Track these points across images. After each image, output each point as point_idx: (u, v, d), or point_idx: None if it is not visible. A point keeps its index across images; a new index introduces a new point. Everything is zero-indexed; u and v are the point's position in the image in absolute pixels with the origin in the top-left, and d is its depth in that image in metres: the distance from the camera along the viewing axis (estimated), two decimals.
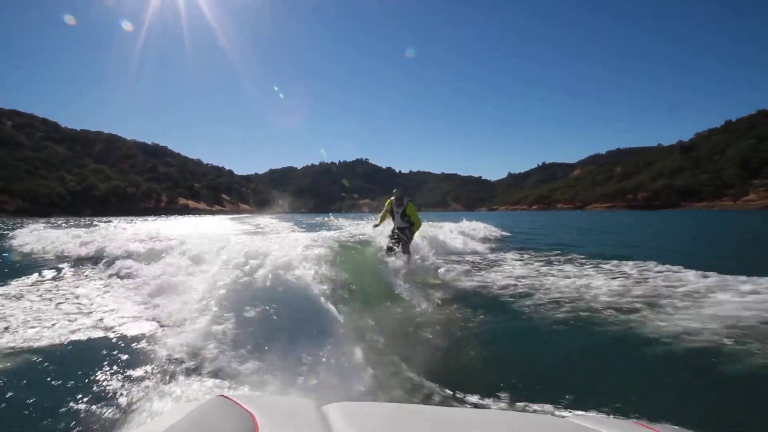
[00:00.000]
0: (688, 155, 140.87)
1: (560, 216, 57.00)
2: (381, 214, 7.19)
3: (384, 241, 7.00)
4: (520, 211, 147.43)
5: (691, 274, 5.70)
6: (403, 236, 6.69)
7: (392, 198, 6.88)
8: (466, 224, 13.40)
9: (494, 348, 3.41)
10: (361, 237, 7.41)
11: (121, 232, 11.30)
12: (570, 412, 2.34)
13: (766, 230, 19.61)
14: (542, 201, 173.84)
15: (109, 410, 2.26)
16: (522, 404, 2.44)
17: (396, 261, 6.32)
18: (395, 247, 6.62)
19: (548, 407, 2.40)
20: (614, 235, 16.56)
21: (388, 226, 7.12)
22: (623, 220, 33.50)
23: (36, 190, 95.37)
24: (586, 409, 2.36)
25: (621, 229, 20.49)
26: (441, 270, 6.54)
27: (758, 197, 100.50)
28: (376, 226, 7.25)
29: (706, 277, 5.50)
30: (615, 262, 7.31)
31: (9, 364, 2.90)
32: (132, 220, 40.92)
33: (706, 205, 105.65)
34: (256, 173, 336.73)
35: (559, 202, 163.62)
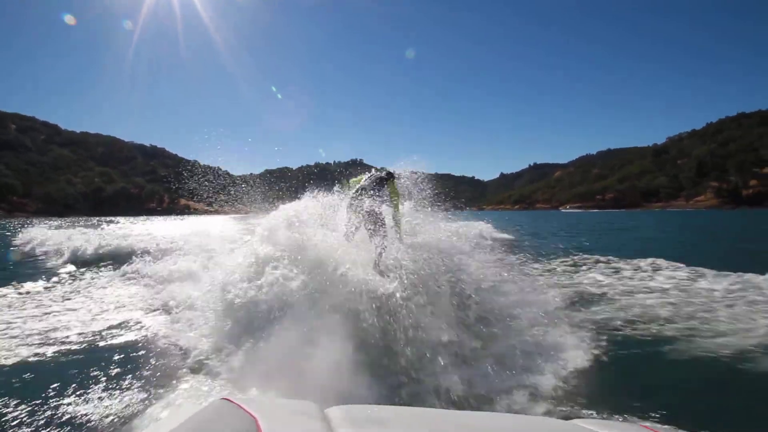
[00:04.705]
0: (660, 158, 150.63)
1: (525, 216, 63.46)
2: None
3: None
4: (503, 211, 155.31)
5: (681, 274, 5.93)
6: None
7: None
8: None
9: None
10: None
11: (144, 231, 12.12)
12: (576, 414, 2.30)
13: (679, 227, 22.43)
14: (524, 201, 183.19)
15: (112, 413, 2.25)
16: (527, 407, 2.41)
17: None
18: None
19: (554, 410, 2.36)
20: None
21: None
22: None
23: (53, 192, 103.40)
24: (592, 412, 2.31)
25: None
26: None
27: (705, 198, 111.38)
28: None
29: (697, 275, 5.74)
30: (581, 255, 7.63)
31: (11, 366, 2.87)
32: (145, 219, 43.68)
33: (663, 205, 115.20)
34: (251, 173, 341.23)
35: (538, 202, 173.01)
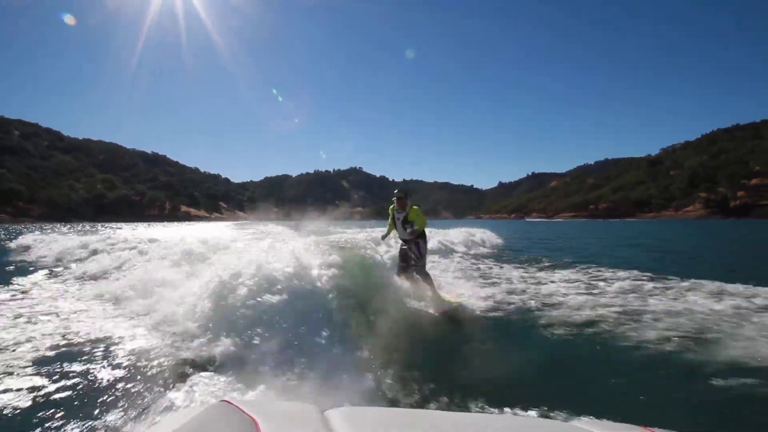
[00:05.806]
0: (654, 168, 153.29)
1: (511, 225, 64.22)
2: (388, 223, 5.64)
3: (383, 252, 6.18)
4: (498, 220, 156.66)
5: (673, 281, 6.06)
6: (411, 253, 5.19)
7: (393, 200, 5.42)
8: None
9: (499, 354, 3.42)
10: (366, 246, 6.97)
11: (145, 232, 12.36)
12: (574, 416, 2.32)
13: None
14: (520, 210, 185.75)
15: (111, 416, 2.25)
16: (526, 409, 2.43)
17: (415, 290, 5.13)
18: (407, 269, 5.27)
19: (553, 412, 2.38)
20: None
21: (394, 240, 5.98)
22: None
23: (56, 198, 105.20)
24: (590, 414, 2.33)
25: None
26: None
27: (694, 209, 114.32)
28: (383, 237, 5.87)
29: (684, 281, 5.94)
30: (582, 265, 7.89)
31: (9, 368, 2.87)
32: (147, 225, 45.17)
33: (654, 216, 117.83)
34: (251, 180, 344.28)
35: (534, 211, 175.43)
